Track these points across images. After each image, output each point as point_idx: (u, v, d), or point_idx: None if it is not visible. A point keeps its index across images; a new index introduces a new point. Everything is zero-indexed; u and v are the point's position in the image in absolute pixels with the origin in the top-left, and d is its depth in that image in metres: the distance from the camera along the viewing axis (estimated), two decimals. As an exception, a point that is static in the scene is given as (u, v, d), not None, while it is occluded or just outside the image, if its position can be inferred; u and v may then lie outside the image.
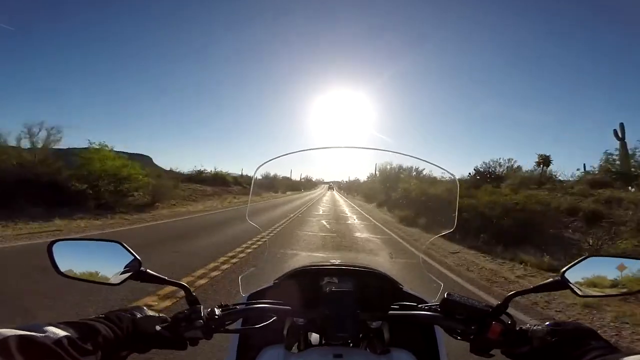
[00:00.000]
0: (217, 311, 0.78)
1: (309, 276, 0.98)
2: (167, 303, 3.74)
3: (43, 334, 0.48)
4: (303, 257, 6.85)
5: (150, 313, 0.72)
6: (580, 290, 0.73)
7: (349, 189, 58.38)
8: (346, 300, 0.88)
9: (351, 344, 0.91)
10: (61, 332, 0.50)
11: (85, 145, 13.63)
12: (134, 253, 0.77)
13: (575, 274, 0.73)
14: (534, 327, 0.69)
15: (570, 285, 0.73)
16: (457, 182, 1.16)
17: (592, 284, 0.74)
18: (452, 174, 1.19)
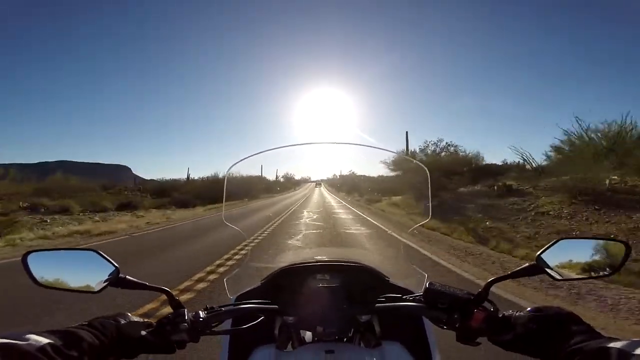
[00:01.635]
0: (202, 314, 0.78)
1: (296, 274, 0.98)
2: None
3: (26, 342, 0.47)
4: (290, 254, 6.85)
5: (135, 319, 0.71)
6: (557, 273, 0.75)
7: (333, 185, 56.56)
8: (334, 296, 0.89)
9: (345, 340, 0.92)
10: (44, 340, 0.50)
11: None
12: (111, 260, 0.76)
13: (550, 257, 0.75)
14: (517, 314, 0.70)
15: (546, 269, 0.75)
16: (428, 173, 1.19)
17: (566, 266, 0.76)
18: (425, 168, 1.22)
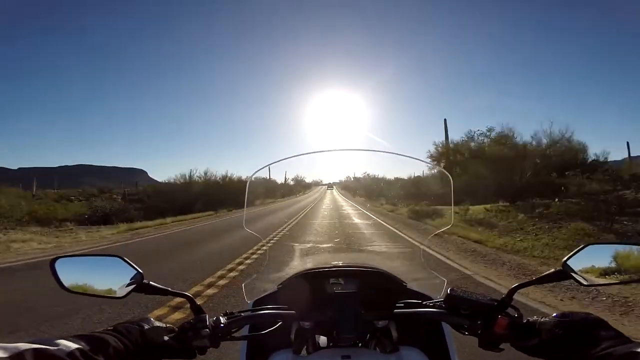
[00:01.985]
0: (223, 319, 0.79)
1: (313, 279, 0.98)
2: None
3: (56, 347, 0.49)
4: (306, 260, 6.82)
5: (158, 324, 0.73)
6: (584, 279, 0.73)
7: (348, 188, 52.45)
8: (351, 301, 0.88)
9: (360, 345, 0.91)
10: (73, 345, 0.51)
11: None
12: (135, 266, 0.78)
13: (577, 263, 0.74)
14: (542, 319, 0.68)
15: (573, 274, 0.73)
16: (451, 181, 1.18)
17: (593, 272, 0.74)
18: (448, 175, 1.20)
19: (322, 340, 0.97)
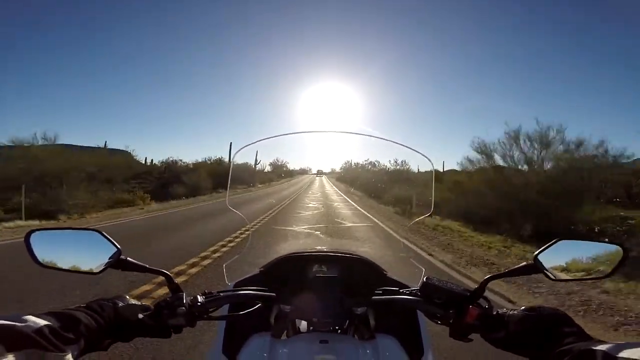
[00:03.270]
0: (200, 298, 0.78)
1: (294, 263, 0.99)
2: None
3: (23, 324, 0.48)
4: (289, 245, 6.85)
5: (133, 301, 0.72)
6: (553, 274, 0.75)
7: (343, 180, 39.30)
8: (331, 286, 0.90)
9: (339, 331, 0.93)
10: (42, 322, 0.50)
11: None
12: (114, 242, 0.76)
13: (547, 257, 0.76)
14: (510, 312, 0.70)
15: (543, 269, 0.75)
16: (433, 169, 1.19)
17: (563, 267, 0.76)
18: (429, 160, 1.17)
19: (303, 325, 0.99)
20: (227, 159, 32.83)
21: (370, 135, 1.18)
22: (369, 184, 25.18)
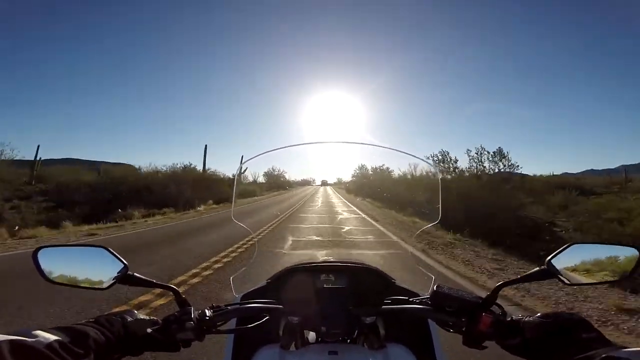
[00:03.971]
0: (208, 312, 0.78)
1: (302, 274, 0.98)
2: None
3: (34, 339, 0.48)
4: (295, 255, 6.80)
5: (141, 316, 0.72)
6: (567, 278, 0.74)
7: (348, 189, 36.90)
8: (339, 296, 0.89)
9: (348, 341, 0.91)
10: (52, 337, 0.50)
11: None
12: (120, 257, 0.76)
13: (560, 262, 0.75)
14: (526, 319, 0.69)
15: (556, 273, 0.74)
16: (439, 176, 1.18)
17: (576, 271, 0.75)
18: (435, 167, 1.17)
19: (311, 336, 0.97)
20: (198, 165, 29.32)
21: (375, 145, 1.18)
22: (387, 192, 21.43)
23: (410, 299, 0.88)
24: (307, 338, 0.96)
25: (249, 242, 7.65)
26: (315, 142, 1.18)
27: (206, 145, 30.85)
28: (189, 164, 29.30)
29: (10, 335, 0.46)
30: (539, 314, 0.68)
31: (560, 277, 0.74)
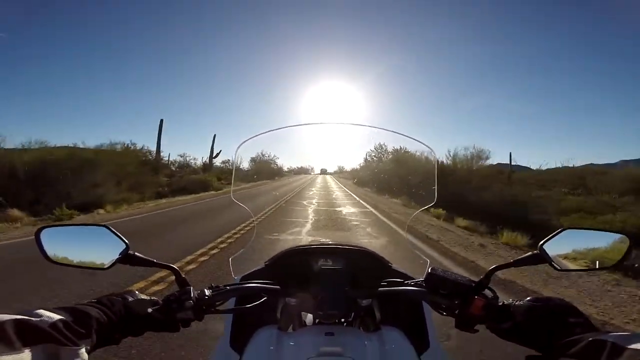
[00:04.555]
0: (207, 292, 0.80)
1: (299, 256, 1.00)
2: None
3: (39, 318, 0.49)
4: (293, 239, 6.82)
5: (142, 296, 0.73)
6: (559, 264, 0.75)
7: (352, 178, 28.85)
8: (336, 278, 0.90)
9: (345, 323, 0.94)
10: (56, 316, 0.51)
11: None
12: (121, 236, 0.77)
13: (553, 247, 0.75)
14: (516, 303, 0.70)
15: (549, 259, 0.75)
16: (436, 157, 1.17)
17: (568, 257, 0.76)
18: (431, 149, 1.18)
19: (309, 318, 1.00)
20: (140, 145, 22.13)
21: (371, 127, 1.17)
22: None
23: (405, 282, 0.90)
24: (305, 320, 0.99)
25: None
26: (310, 124, 1.17)
27: (162, 120, 23.69)
28: (130, 144, 21.12)
29: (14, 315, 0.47)
30: (529, 298, 0.69)
31: (552, 262, 0.75)
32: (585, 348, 0.51)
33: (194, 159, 30.65)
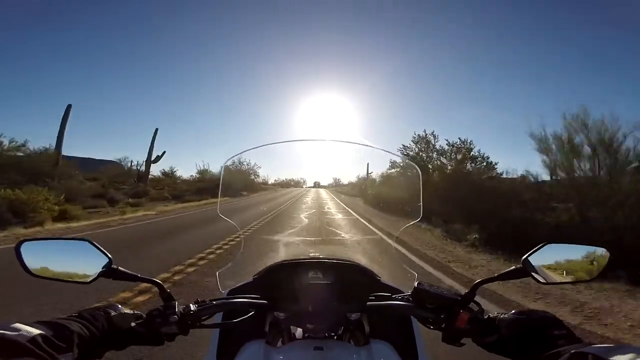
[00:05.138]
0: (193, 307, 0.79)
1: (288, 270, 0.99)
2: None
3: (16, 333, 0.47)
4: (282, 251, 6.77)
5: (125, 310, 0.72)
6: (541, 277, 0.77)
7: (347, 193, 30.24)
8: (325, 293, 0.90)
9: (334, 337, 0.93)
10: (35, 331, 0.50)
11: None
12: (104, 251, 0.76)
13: (535, 261, 0.77)
14: (501, 316, 0.71)
15: (532, 273, 0.77)
16: (420, 174, 1.19)
17: (551, 270, 0.78)
18: (416, 167, 1.22)
19: (298, 332, 0.98)
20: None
21: (360, 144, 1.19)
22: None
23: (394, 296, 0.90)
24: (294, 334, 0.97)
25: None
26: (301, 140, 1.18)
27: (69, 106, 20.10)
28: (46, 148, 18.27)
29: None
30: (513, 312, 0.70)
31: (535, 276, 0.76)
32: None
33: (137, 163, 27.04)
